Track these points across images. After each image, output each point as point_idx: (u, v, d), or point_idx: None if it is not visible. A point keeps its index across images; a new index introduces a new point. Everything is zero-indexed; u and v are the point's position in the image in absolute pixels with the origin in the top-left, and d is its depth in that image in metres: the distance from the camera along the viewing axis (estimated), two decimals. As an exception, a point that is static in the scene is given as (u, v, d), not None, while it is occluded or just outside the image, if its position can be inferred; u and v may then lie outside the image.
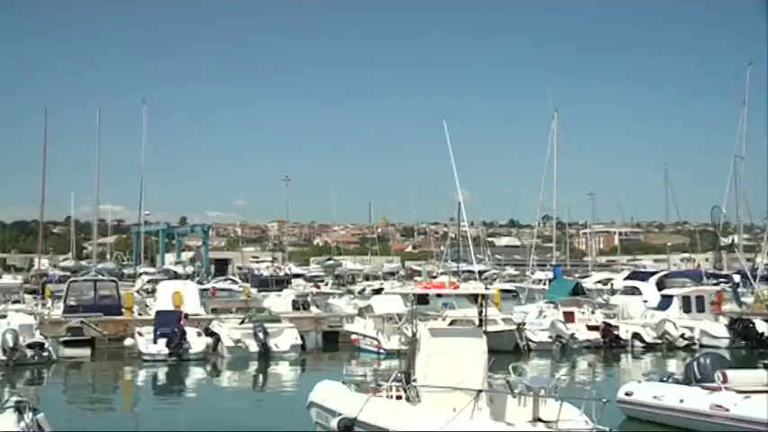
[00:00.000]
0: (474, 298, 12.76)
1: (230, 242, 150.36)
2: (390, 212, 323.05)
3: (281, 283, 42.88)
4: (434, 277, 65.19)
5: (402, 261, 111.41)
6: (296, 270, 64.85)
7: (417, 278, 44.36)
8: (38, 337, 16.79)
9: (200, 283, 42.45)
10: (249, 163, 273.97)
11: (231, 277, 62.39)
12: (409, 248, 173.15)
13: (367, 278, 75.47)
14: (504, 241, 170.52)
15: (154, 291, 26.92)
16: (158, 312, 19.39)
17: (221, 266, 79.58)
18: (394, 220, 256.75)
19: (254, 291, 39.39)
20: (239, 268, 74.15)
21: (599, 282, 38.47)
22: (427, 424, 7.66)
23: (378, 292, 47.25)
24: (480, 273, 72.20)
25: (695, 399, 9.46)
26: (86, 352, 18.64)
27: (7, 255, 64.79)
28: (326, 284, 55.72)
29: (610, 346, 20.21)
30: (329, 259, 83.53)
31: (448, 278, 14.63)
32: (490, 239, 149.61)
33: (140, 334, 18.42)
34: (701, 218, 59.06)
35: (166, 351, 17.44)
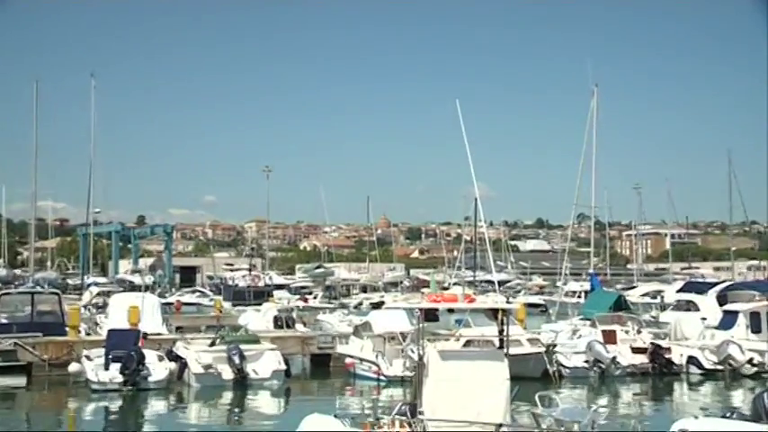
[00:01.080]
0: (493, 314, 12.75)
1: (199, 246, 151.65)
2: (392, 210, 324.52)
3: (260, 295, 43.05)
4: (446, 288, 64.59)
5: (406, 269, 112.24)
6: (278, 280, 65.15)
7: (425, 290, 44.52)
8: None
9: (162, 295, 42.52)
10: (222, 151, 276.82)
11: (200, 289, 62.54)
12: (415, 254, 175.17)
13: (364, 290, 75.84)
14: (530, 245, 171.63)
15: (105, 305, 26.85)
16: (111, 332, 19.17)
17: (188, 275, 79.91)
18: (397, 220, 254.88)
19: (227, 305, 40.00)
20: (210, 278, 74.88)
21: (646, 294, 38.64)
22: (437, 467, 7.64)
23: (377, 306, 47.32)
24: (501, 283, 72.11)
25: (766, 439, 9.49)
26: (21, 380, 18.32)
27: None
28: (315, 297, 55.82)
29: (660, 372, 20.01)
30: (319, 267, 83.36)
31: (462, 290, 14.61)
32: (514, 243, 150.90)
33: (89, 358, 18.28)
34: (773, 217, 59.22)
35: (121, 379, 17.32)
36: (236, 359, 18.47)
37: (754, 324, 20.67)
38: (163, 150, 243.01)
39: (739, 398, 16.46)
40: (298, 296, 55.65)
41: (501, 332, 10.38)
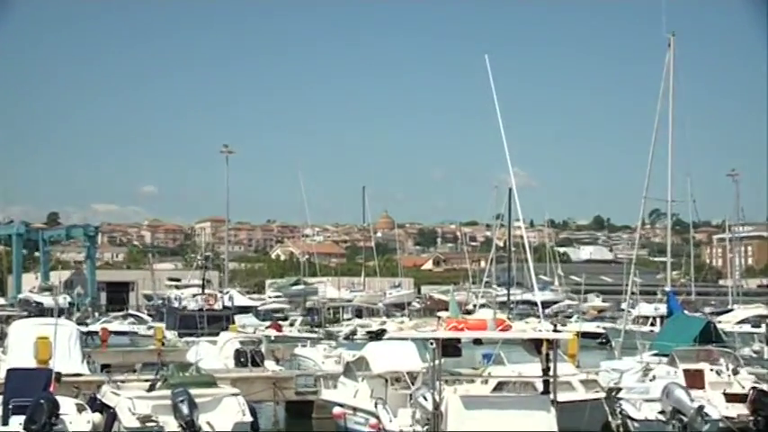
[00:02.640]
0: (535, 347, 12.68)
1: (133, 254, 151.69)
2: (397, 206, 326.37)
3: (216, 321, 42.90)
4: (470, 312, 64.52)
5: (416, 285, 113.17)
6: (242, 300, 65.54)
7: (442, 314, 44.41)
8: None
9: (82, 322, 42.80)
10: (164, 128, 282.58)
11: (134, 313, 62.77)
12: (428, 265, 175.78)
13: (359, 314, 76.36)
14: (585, 253, 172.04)
15: (3, 336, 26.94)
16: (11, 372, 18.67)
17: (118, 294, 79.95)
18: (403, 219, 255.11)
19: (171, 334, 40.24)
20: (148, 297, 75.76)
21: (745, 321, 39.37)
22: None
23: (377, 336, 47.63)
24: (546, 305, 72.35)
25: None
26: None
27: None
28: (292, 324, 56.52)
29: (765, 428, 19.58)
30: (297, 282, 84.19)
31: (492, 314, 14.56)
32: (563, 250, 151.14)
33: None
34: None
35: (25, 435, 17.45)
36: (185, 408, 18.02)
37: None
38: (84, 128, 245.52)
39: None
40: (268, 322, 55.76)
41: (546, 371, 10.39)
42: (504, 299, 74.63)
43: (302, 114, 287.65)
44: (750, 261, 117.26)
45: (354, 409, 19.82)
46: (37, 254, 74.86)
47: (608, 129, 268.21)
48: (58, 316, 29.07)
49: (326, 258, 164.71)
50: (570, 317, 65.50)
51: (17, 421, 16.98)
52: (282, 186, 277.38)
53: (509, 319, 41.05)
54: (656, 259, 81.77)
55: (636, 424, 19.08)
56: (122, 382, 20.64)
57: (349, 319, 68.08)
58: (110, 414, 18.71)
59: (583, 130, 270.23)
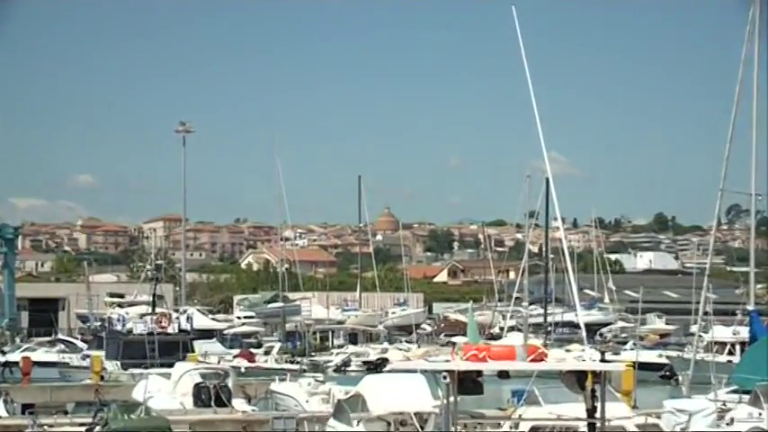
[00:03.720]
0: (578, 381, 12.72)
1: (64, 263, 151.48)
2: (402, 202, 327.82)
3: (171, 349, 42.87)
4: (494, 337, 64.44)
5: (427, 303, 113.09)
6: (203, 322, 65.94)
7: (459, 339, 44.16)
8: None
9: (-2, 350, 42.56)
10: (104, 103, 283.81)
11: (65, 338, 62.57)
12: (442, 276, 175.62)
13: (353, 339, 75.00)
14: (644, 260, 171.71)
15: None
16: None
17: (44, 314, 79.66)
18: (410, 218, 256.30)
19: (113, 365, 40.68)
20: (83, 319, 75.98)
21: None
22: None
23: (376, 368, 47.44)
24: (593, 327, 72.33)
25: None
26: None
27: None
28: (268, 353, 56.83)
29: None
30: (274, 298, 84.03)
31: (523, 338, 14.62)
32: (614, 257, 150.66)
33: None
34: None
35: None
36: (130, 461, 18.56)
37: None
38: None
39: None
40: (237, 350, 55.69)
41: (592, 413, 10.41)
42: (540, 320, 74.55)
43: (280, 84, 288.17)
44: None
45: (348, 461, 20.06)
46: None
47: (673, 103, 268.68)
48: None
49: (312, 268, 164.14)
50: (624, 343, 65.55)
51: None
52: (255, 176, 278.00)
53: (545, 345, 41.03)
54: (735, 269, 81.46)
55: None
56: (50, 426, 20.65)
57: (341, 346, 68.11)
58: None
59: (639, 105, 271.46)
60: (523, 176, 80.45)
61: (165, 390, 27.80)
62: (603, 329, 78.70)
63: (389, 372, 26.67)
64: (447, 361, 13.23)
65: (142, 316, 51.30)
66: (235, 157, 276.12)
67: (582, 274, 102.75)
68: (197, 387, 27.16)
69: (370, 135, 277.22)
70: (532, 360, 11.66)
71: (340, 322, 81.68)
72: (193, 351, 43.58)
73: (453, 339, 59.24)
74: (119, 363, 41.32)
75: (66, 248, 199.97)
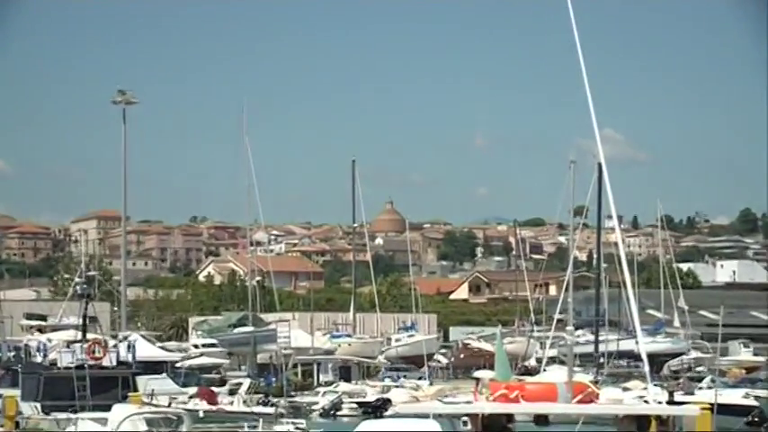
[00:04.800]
0: (639, 428, 12.73)
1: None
2: (409, 195, 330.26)
3: (107, 386, 42.89)
4: (530, 371, 64.49)
5: (442, 326, 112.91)
6: (149, 351, 66.27)
7: (483, 374, 43.85)
8: None
9: None
10: (21, 69, 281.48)
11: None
12: (461, 291, 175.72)
13: (345, 373, 75.99)
14: (726, 271, 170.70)
15: None
16: None
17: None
18: (419, 217, 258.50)
19: (31, 408, 40.43)
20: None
21: None
22: None
23: (376, 410, 47.21)
24: (660, 359, 72.10)
25: None
26: None
27: None
28: (234, 392, 56.48)
29: None
30: (242, 321, 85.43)
31: (567, 374, 14.62)
32: (688, 266, 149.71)
33: None
34: None
35: None
36: None
37: None
38: None
39: None
40: (194, 388, 55.44)
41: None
42: (589, 349, 74.31)
43: (248, 40, 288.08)
44: None
45: None
46: None
47: (756, 66, 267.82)
48: None
49: (291, 281, 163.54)
50: (700, 379, 65.58)
51: None
52: (217, 161, 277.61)
53: (596, 382, 41.05)
54: None
55: None
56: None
57: (329, 384, 68.27)
58: None
59: (722, 72, 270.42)
60: (567, 161, 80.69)
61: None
62: (672, 362, 78.85)
63: (393, 417, 26.83)
64: (469, 402, 13.27)
65: (69, 344, 51.34)
66: (190, 136, 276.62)
67: (644, 290, 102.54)
68: (143, 436, 27.28)
69: (367, 108, 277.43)
70: (579, 401, 11.73)
71: (328, 352, 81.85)
72: (136, 389, 43.64)
73: (476, 374, 59.28)
74: (38, 405, 41.32)
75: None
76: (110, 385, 43.10)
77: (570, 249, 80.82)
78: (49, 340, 56.09)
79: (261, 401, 52.42)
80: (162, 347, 74.00)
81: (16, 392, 43.07)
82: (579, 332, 79.38)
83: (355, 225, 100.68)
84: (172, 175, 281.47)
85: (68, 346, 50.32)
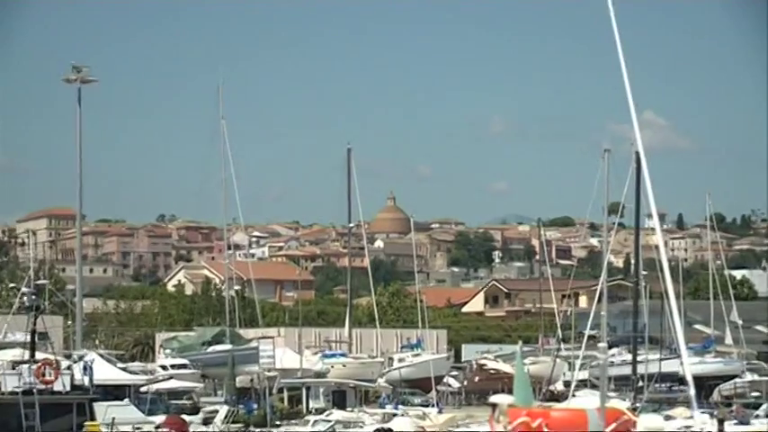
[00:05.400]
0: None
1: None
2: (415, 190, 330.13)
3: (59, 414, 42.87)
4: (556, 397, 64.79)
5: (454, 344, 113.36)
6: (110, 374, 66.32)
7: (501, 399, 44.15)
8: None
9: None
10: None
11: None
12: (476, 303, 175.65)
13: (339, 399, 75.60)
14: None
15: None
16: None
17: None
18: (427, 215, 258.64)
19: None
20: None
21: None
22: None
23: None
24: (708, 382, 71.73)
25: None
26: None
27: None
28: (208, 421, 57.94)
29: None
30: (218, 338, 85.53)
31: (600, 399, 14.67)
32: (741, 273, 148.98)
33: None
34: None
35: None
36: None
37: None
38: None
39: None
40: (164, 416, 55.20)
41: None
42: (626, 371, 73.97)
43: (225, 11, 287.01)
44: None
45: None
46: None
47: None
48: None
49: (276, 290, 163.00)
50: (756, 405, 65.62)
51: None
52: (189, 149, 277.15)
53: (634, 409, 40.88)
54: None
55: None
56: None
57: (321, 411, 68.28)
58: None
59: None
60: (600, 150, 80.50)
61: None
62: (724, 385, 78.73)
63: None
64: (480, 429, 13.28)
65: (15, 365, 51.42)
66: (157, 121, 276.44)
67: (691, 301, 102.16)
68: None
69: (365, 88, 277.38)
70: (614, 431, 11.82)
71: (319, 374, 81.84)
72: (94, 418, 43.72)
73: (493, 399, 59.21)
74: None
75: None
76: (63, 413, 43.21)
77: (604, 253, 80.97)
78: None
79: (240, 431, 52.48)
80: (124, 369, 73.95)
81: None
82: (614, 351, 79.41)
83: (351, 225, 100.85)
84: (136, 166, 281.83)
85: (14, 368, 50.39)
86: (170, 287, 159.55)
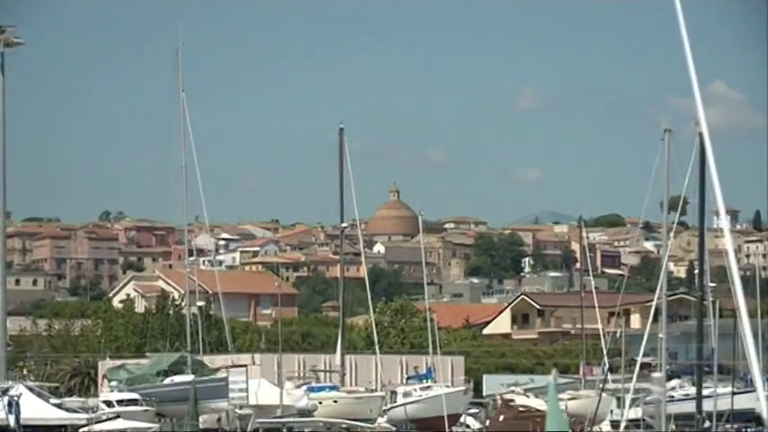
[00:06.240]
0: None
1: None
2: (424, 180, 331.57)
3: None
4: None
5: (473, 374, 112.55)
6: (40, 411, 66.96)
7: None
8: None
9: None
10: None
11: None
12: (501, 321, 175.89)
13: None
14: None
15: None
16: None
17: None
18: (439, 213, 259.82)
19: None
20: None
21: None
22: None
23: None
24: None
25: None
26: None
27: None
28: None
29: None
30: (177, 366, 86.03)
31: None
32: None
33: None
34: None
35: None
36: None
37: None
38: None
39: None
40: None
41: None
42: (690, 408, 73.52)
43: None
44: None
45: None
46: None
47: None
48: None
49: (249, 306, 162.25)
50: None
51: None
52: (140, 131, 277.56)
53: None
54: None
55: None
56: None
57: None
58: None
59: None
60: (659, 131, 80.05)
61: None
62: None
63: None
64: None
65: None
66: (100, 96, 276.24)
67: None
68: None
69: (362, 55, 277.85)
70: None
71: (305, 413, 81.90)
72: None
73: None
74: None
75: None
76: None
77: (662, 260, 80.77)
78: None
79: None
80: (59, 405, 74.23)
81: None
82: (674, 383, 79.46)
83: (344, 225, 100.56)
84: (73, 152, 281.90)
85: None
86: (116, 303, 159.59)
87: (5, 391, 59.88)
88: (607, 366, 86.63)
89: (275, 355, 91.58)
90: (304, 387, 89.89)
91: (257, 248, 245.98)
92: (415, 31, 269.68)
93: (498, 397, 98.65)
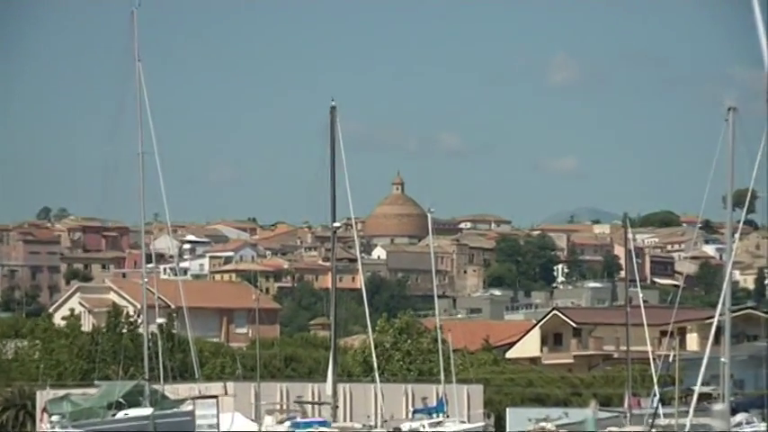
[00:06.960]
0: None
1: None
2: (434, 170, 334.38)
3: None
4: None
5: (493, 405, 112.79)
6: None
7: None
8: None
9: None
10: None
11: None
12: (529, 343, 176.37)
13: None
14: None
15: None
16: None
17: None
18: (452, 210, 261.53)
19: None
20: None
21: None
22: None
23: None
24: None
25: None
26: None
27: None
28: None
29: None
30: (133, 397, 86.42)
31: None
32: None
33: None
34: None
35: None
36: None
37: None
38: None
39: None
40: None
41: None
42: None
43: None
44: None
45: None
46: None
47: None
48: None
49: (220, 323, 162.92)
50: None
51: None
52: (87, 108, 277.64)
53: None
54: None
55: None
56: None
57: None
58: None
59: None
60: (721, 109, 79.73)
61: None
62: None
63: None
64: None
65: None
66: (38, 67, 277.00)
67: None
68: None
69: (360, 20, 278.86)
70: None
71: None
72: None
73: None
74: None
75: None
76: None
77: (726, 268, 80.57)
78: None
79: None
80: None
81: None
82: (739, 417, 79.68)
83: (337, 224, 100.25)
84: (6, 137, 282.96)
85: None
86: (58, 320, 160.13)
87: None
88: (658, 397, 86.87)
89: (252, 383, 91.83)
90: (287, 423, 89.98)
91: (230, 253, 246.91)
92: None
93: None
